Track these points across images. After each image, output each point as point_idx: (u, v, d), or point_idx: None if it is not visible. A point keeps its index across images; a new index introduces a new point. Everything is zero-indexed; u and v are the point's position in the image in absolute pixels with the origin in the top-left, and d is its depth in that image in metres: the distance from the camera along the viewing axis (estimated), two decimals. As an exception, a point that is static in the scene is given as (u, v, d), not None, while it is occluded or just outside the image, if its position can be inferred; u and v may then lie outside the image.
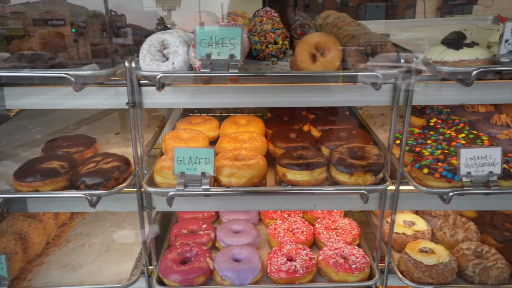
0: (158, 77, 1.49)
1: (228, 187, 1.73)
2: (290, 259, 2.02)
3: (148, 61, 1.53)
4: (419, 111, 2.55)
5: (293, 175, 1.73)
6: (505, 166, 1.75)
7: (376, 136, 2.23)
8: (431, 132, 2.15)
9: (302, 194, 1.77)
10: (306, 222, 2.35)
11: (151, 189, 1.72)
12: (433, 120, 2.35)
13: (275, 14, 2.45)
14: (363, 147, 1.85)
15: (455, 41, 1.59)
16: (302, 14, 2.66)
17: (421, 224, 2.26)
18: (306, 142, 2.02)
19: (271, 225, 2.34)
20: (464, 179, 1.71)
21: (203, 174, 1.69)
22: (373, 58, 1.57)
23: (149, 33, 1.65)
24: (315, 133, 2.24)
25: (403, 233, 2.20)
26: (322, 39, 1.58)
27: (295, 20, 2.52)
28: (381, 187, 1.73)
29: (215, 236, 2.25)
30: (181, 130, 2.13)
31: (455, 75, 1.58)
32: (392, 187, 1.85)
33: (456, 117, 2.38)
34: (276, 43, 2.00)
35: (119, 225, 2.48)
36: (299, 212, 2.48)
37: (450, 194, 1.69)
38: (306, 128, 2.30)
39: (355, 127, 2.24)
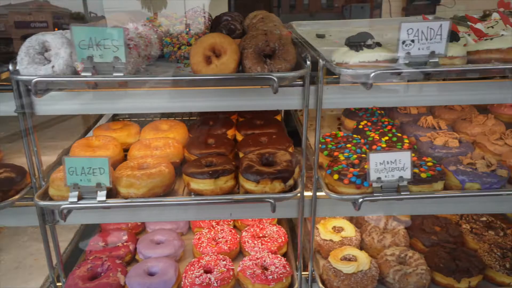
0: (33, 81, 1.38)
1: (127, 198, 1.62)
2: (207, 271, 1.93)
3: (25, 64, 1.41)
4: (353, 113, 2.50)
5: (196, 183, 1.64)
6: (416, 170, 1.70)
7: (306, 141, 2.16)
8: (355, 136, 2.09)
9: (199, 204, 1.67)
10: (234, 231, 2.26)
11: (41, 203, 1.59)
12: (363, 123, 2.30)
13: (204, 15, 2.36)
14: (275, 152, 1.77)
15: (356, 42, 1.52)
16: (233, 14, 2.57)
17: (349, 230, 2.20)
18: (223, 148, 1.93)
19: (197, 234, 2.24)
20: (374, 184, 1.65)
21: (98, 185, 1.58)
22: (272, 60, 1.49)
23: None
24: (240, 138, 2.15)
25: (330, 240, 2.14)
26: (218, 40, 1.49)
27: (222, 20, 2.43)
28: (289, 195, 1.65)
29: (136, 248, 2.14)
30: (93, 137, 2.01)
31: (358, 77, 1.52)
32: (309, 194, 1.79)
33: (387, 120, 2.34)
34: (189, 44, 1.91)
35: (38, 239, 2.33)
36: (230, 220, 2.39)
37: (360, 200, 1.63)
38: (231, 132, 2.21)
39: (281, 131, 2.17)
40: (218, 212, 1.80)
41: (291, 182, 1.69)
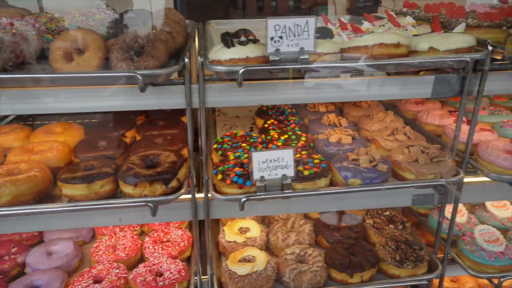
0: None
1: (-10, 207, 1.50)
2: (97, 280, 1.83)
3: None
4: (263, 112, 2.49)
5: (68, 189, 1.54)
6: (301, 168, 1.69)
7: (205, 141, 2.11)
8: (254, 135, 2.07)
9: (65, 212, 1.57)
10: (136, 237, 2.17)
11: None
12: (269, 122, 2.29)
13: (108, 12, 2.25)
14: (159, 154, 1.71)
15: (228, 39, 1.49)
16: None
17: (254, 230, 2.18)
18: (112, 150, 1.84)
19: (96, 242, 2.13)
20: (258, 183, 1.62)
21: (-45, 194, 1.44)
22: (140, 57, 1.43)
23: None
24: (139, 139, 2.07)
25: (234, 241, 2.10)
26: (80, 36, 1.41)
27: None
28: (170, 197, 1.59)
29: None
30: (-31, 142, 1.85)
31: (229, 74, 1.49)
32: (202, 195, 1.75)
33: (294, 118, 2.34)
34: (73, 42, 1.81)
35: None
36: (135, 226, 2.30)
37: (243, 200, 1.60)
38: (130, 134, 2.12)
39: (182, 132, 2.10)
40: (101, 218, 1.70)
41: (174, 184, 1.63)
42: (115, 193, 1.64)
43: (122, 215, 1.74)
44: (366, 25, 1.89)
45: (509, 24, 1.78)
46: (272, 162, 1.63)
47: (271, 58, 1.45)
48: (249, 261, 1.93)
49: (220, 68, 1.44)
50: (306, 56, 1.46)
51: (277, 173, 1.63)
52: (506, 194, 1.89)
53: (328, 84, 1.60)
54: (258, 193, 1.62)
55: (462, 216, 2.30)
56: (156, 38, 1.47)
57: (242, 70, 1.41)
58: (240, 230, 2.20)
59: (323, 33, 1.58)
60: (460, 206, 2.37)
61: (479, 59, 1.58)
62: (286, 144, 1.96)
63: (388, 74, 1.82)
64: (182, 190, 1.64)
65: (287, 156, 1.63)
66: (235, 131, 2.10)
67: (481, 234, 2.06)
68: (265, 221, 2.46)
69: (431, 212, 2.40)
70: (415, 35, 1.66)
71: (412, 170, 1.73)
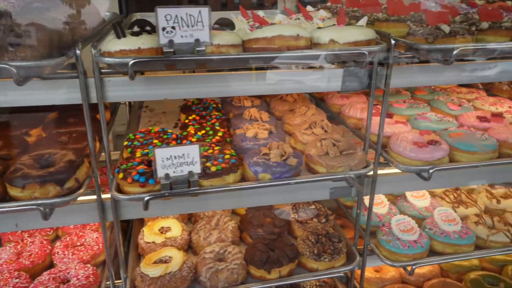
0: None
1: None
2: (-6, 292, 1.69)
3: None
4: (187, 107, 2.42)
5: None
6: (209, 164, 1.64)
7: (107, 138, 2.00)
8: (170, 131, 2.00)
9: None
10: (46, 242, 2.03)
11: None
12: (191, 117, 2.22)
13: None
14: (56, 153, 1.59)
15: (119, 29, 1.41)
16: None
17: (175, 230, 2.11)
18: (6, 150, 1.70)
19: (2, 249, 1.97)
20: (162, 181, 1.55)
21: None
22: (17, 47, 1.31)
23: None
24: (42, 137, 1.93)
25: (153, 242, 2.02)
26: None
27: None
28: (64, 199, 1.48)
29: None
30: None
31: (121, 67, 1.40)
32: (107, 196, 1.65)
33: (217, 113, 2.29)
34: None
35: None
36: (48, 230, 2.15)
37: (146, 199, 1.53)
38: (36, 132, 1.98)
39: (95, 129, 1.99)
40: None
41: (71, 184, 1.52)
42: (5, 197, 1.51)
43: (18, 220, 1.62)
44: (279, 17, 1.87)
45: (413, 18, 1.83)
46: (177, 159, 1.57)
47: (165, 49, 1.38)
48: (165, 262, 1.86)
49: (109, 60, 1.35)
50: (203, 48, 1.41)
51: (183, 170, 1.57)
52: (417, 185, 1.94)
53: (234, 77, 1.56)
54: (162, 192, 1.55)
55: (384, 207, 2.36)
56: (39, 27, 1.35)
57: (132, 62, 1.33)
58: (161, 230, 2.12)
59: (225, 24, 1.54)
60: (382, 198, 2.43)
61: (384, 52, 1.61)
62: (201, 140, 1.90)
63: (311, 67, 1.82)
64: (81, 191, 1.53)
65: (192, 152, 1.57)
66: (150, 127, 2.01)
67: (397, 224, 2.12)
68: (192, 220, 2.40)
69: (355, 204, 2.44)
70: (320, 28, 1.65)
71: (322, 163, 1.74)
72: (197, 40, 1.40)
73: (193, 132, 1.97)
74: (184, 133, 1.97)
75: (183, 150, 1.56)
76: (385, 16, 1.93)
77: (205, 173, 1.60)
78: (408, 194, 2.47)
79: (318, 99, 2.76)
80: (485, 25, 1.63)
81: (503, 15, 1.74)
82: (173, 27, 1.37)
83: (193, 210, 1.87)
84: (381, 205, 2.37)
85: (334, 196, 1.98)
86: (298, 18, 1.97)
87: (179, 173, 1.57)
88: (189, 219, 2.40)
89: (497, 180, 2.18)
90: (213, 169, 1.61)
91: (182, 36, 1.39)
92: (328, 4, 2.63)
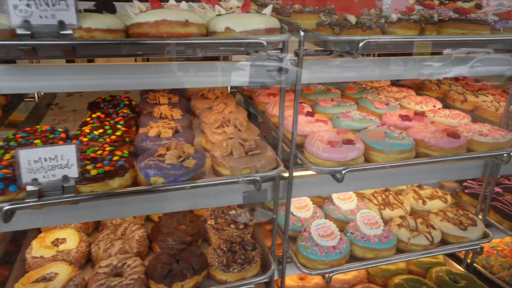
0: None
1: None
2: None
3: None
4: (95, 104, 2.18)
5: None
6: (90, 167, 1.43)
7: None
8: (60, 129, 1.75)
9: None
10: None
11: None
12: (95, 115, 1.99)
13: None
14: None
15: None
16: None
17: (71, 242, 1.87)
18: None
19: None
20: (29, 188, 1.33)
21: None
22: None
23: None
24: None
25: (41, 257, 1.77)
26: None
27: None
28: None
29: None
30: None
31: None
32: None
33: (125, 111, 2.08)
34: None
35: None
36: None
37: (5, 208, 1.29)
38: None
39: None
40: None
41: None
42: None
43: None
44: (183, 4, 1.69)
45: (327, 10, 1.72)
46: (49, 161, 1.34)
47: (18, 31, 1.16)
48: (49, 279, 1.62)
49: None
50: (69, 32, 1.20)
51: (56, 174, 1.35)
52: (333, 187, 1.84)
53: (126, 68, 1.37)
54: (27, 200, 1.32)
55: (308, 210, 2.24)
56: None
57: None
58: (55, 242, 1.87)
59: (103, 7, 1.34)
60: (307, 200, 2.31)
61: (284, 42, 1.47)
62: (94, 140, 1.68)
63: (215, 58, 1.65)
64: None
65: (67, 153, 1.35)
66: (37, 126, 1.77)
67: (316, 229, 2.00)
68: (99, 229, 2.16)
69: (279, 208, 2.31)
70: (220, 15, 1.49)
71: (225, 165, 1.57)
72: (61, 22, 1.19)
73: (88, 131, 1.75)
74: (77, 132, 1.75)
75: (55, 151, 1.34)
76: (300, 7, 1.81)
77: (84, 178, 1.39)
78: (334, 196, 2.37)
79: (248, 97, 2.62)
80: (394, 17, 1.54)
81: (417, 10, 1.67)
82: (28, 5, 1.16)
83: (72, 221, 1.66)
84: (305, 208, 2.25)
85: (248, 200, 1.83)
86: (210, 6, 1.80)
87: (51, 178, 1.35)
88: (96, 228, 2.16)
89: (415, 181, 2.14)
90: (93, 172, 1.40)
91: (41, 17, 1.17)
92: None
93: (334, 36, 1.47)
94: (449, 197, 2.48)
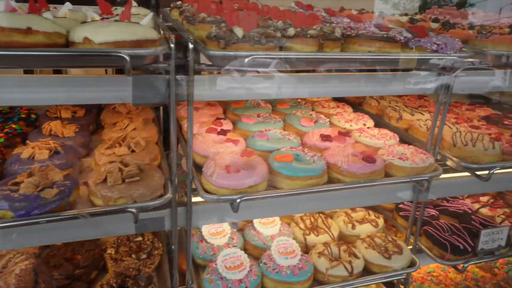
0: None
1: None
2: None
3: None
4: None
5: None
6: None
7: None
8: None
9: None
10: None
11: None
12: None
13: None
14: None
15: None
16: None
17: None
18: None
19: None
20: None
21: None
22: None
23: None
24: None
25: None
26: None
27: None
28: None
29: None
30: None
31: None
32: None
33: (16, 126, 1.86)
34: None
35: None
36: None
37: None
38: None
39: None
40: None
41: None
42: None
43: None
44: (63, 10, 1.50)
45: (222, 20, 1.54)
46: None
47: None
48: None
49: None
50: None
51: None
52: (233, 215, 1.65)
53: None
54: None
55: (223, 237, 2.05)
56: None
57: None
58: None
59: None
60: (224, 225, 2.12)
61: (155, 55, 1.29)
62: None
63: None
64: None
65: None
66: None
67: (223, 260, 1.81)
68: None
69: (194, 234, 2.12)
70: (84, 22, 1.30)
71: (97, 194, 1.37)
72: None
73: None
74: None
75: None
76: (203, 16, 1.64)
77: None
78: (255, 220, 2.19)
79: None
80: (291, 31, 1.38)
81: (323, 22, 1.52)
82: None
83: None
84: (220, 234, 2.06)
85: (142, 230, 1.65)
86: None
87: None
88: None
89: (327, 207, 1.99)
90: None
91: None
92: (179, 3, 2.32)
93: (217, 51, 1.30)
94: (381, 221, 2.33)
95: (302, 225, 2.25)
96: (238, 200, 1.48)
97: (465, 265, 2.08)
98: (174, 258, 1.73)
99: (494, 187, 2.03)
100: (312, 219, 2.30)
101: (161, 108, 2.57)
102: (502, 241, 2.14)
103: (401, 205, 2.48)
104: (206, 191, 1.54)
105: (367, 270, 2.03)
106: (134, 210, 1.37)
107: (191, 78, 1.42)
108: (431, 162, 1.80)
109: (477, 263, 2.25)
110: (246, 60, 1.27)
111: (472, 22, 2.44)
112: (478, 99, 3.16)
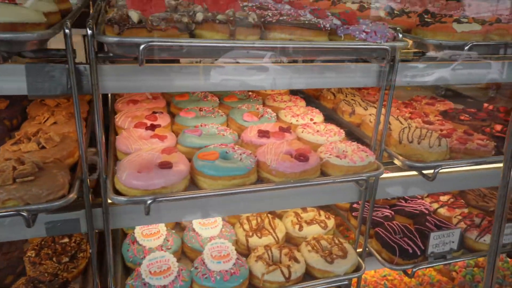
0: None
1: None
2: None
3: None
4: None
5: None
6: None
7: None
8: None
9: None
10: None
11: None
12: None
13: None
14: None
15: None
16: None
17: None
18: None
19: None
20: None
21: None
22: None
23: None
24: None
25: None
26: None
27: None
28: None
29: None
30: None
31: None
32: None
33: None
34: None
35: None
36: None
37: None
38: None
39: None
40: None
41: None
42: None
43: None
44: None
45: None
46: None
47: None
48: None
49: None
50: None
51: None
52: (145, 218, 1.52)
53: None
54: None
55: (157, 239, 1.93)
56: None
57: None
58: None
59: None
60: (160, 226, 2.00)
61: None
62: None
63: None
64: None
65: None
66: None
67: (149, 264, 1.69)
68: None
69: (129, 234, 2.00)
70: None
71: (-18, 195, 1.24)
72: None
73: None
74: None
75: None
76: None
77: None
78: (195, 221, 2.07)
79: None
80: (199, 16, 1.24)
81: (241, 7, 1.38)
82: None
83: None
84: (155, 236, 1.94)
85: (54, 233, 1.51)
86: None
87: None
88: None
89: (249, 210, 1.86)
90: None
91: None
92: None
93: (110, 37, 1.16)
94: (331, 222, 2.22)
95: (246, 226, 2.13)
96: (148, 202, 1.35)
97: (414, 269, 1.97)
98: (92, 262, 1.61)
99: (442, 186, 1.91)
100: (259, 220, 2.18)
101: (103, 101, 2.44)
102: (454, 244, 2.03)
103: (355, 205, 2.37)
104: (118, 192, 1.42)
105: (310, 275, 1.92)
106: (25, 214, 1.24)
107: (94, 68, 1.29)
108: (371, 160, 1.68)
109: (427, 267, 2.15)
110: (141, 47, 1.14)
111: (464, 14, 2.29)
112: (449, 92, 3.06)
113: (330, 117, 2.44)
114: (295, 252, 1.92)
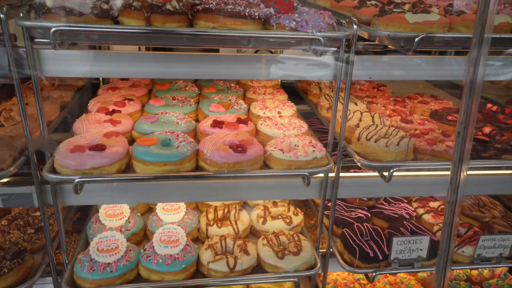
0: None
1: None
2: None
3: None
4: None
5: None
6: None
7: None
8: None
9: None
10: None
11: None
12: None
13: None
14: None
15: None
16: None
17: None
18: None
19: None
20: None
21: None
22: None
23: None
24: None
25: None
26: None
27: None
28: None
29: None
30: None
31: None
32: None
33: None
34: None
35: None
36: None
37: None
38: None
39: None
40: None
41: None
42: None
43: None
44: None
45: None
46: None
47: None
48: None
49: None
50: None
51: None
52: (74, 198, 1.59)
53: None
54: None
55: (120, 219, 2.00)
56: None
57: None
58: None
59: None
60: (124, 208, 2.07)
61: None
62: None
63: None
64: None
65: None
66: None
67: (98, 242, 1.77)
68: None
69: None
70: None
71: None
72: None
73: None
74: None
75: None
76: None
77: None
78: (158, 206, 2.13)
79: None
80: (118, 2, 1.27)
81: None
82: None
83: None
84: (118, 217, 2.03)
85: (9, 204, 1.67)
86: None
87: None
88: None
89: (182, 199, 1.85)
90: None
91: None
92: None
93: (26, 21, 1.23)
94: (298, 218, 2.15)
95: (211, 216, 2.15)
96: (76, 180, 1.43)
97: (374, 274, 1.86)
98: (45, 234, 1.73)
99: (403, 190, 1.78)
100: (226, 210, 2.19)
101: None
102: (423, 252, 1.88)
103: (329, 204, 2.27)
104: (54, 170, 1.51)
105: (262, 269, 1.89)
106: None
107: (29, 51, 1.37)
108: (316, 156, 1.61)
109: (390, 273, 2.01)
110: (51, 31, 1.19)
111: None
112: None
113: (311, 112, 2.37)
114: (248, 245, 1.91)
